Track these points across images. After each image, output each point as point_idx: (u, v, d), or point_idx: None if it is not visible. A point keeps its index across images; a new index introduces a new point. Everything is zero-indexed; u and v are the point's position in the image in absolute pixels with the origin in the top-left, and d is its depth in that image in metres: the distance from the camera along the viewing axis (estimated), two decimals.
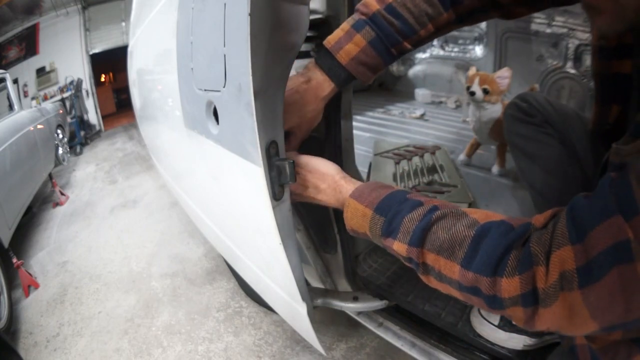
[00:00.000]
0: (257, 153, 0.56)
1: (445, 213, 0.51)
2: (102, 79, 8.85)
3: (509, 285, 0.43)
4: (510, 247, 0.44)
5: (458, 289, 0.49)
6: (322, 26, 0.88)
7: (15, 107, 3.10)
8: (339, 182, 0.63)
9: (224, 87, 0.60)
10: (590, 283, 0.39)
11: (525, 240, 0.44)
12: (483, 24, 2.48)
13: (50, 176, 3.45)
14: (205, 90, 0.69)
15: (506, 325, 0.79)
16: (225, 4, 0.56)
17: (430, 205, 0.53)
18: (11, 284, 1.90)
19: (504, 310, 0.45)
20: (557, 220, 0.43)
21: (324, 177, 0.64)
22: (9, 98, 3.09)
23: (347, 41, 0.69)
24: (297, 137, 0.72)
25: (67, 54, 6.71)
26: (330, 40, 0.70)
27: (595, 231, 0.39)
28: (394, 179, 1.39)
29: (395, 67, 3.10)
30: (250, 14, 0.49)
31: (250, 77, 0.51)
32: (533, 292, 0.42)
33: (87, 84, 6.84)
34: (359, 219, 0.59)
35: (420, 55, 2.97)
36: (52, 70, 6.64)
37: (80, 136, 5.59)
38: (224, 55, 0.58)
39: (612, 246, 0.37)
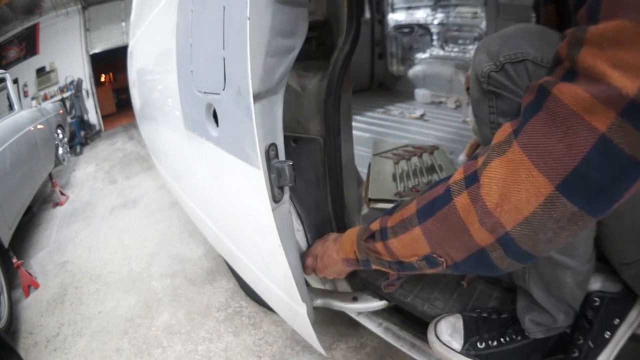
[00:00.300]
0: (257, 156, 0.56)
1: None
2: (102, 79, 8.85)
3: (457, 174, 0.47)
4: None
5: (418, 222, 0.52)
6: (321, 27, 0.88)
7: (15, 107, 3.10)
8: (334, 244, 0.77)
9: (223, 89, 0.61)
10: (521, 127, 0.39)
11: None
12: (483, 24, 2.48)
13: (50, 176, 3.45)
14: (204, 92, 0.70)
15: (471, 349, 0.76)
16: (224, 7, 0.57)
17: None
18: (11, 284, 1.90)
19: (451, 204, 0.46)
20: None
21: (329, 258, 0.77)
22: (9, 98, 3.09)
23: None
24: None
25: (67, 54, 6.72)
26: None
27: (524, 96, 0.41)
28: (394, 179, 1.39)
29: (395, 67, 3.10)
30: (249, 18, 0.49)
31: (250, 80, 0.51)
32: (475, 171, 0.44)
33: (87, 84, 6.84)
34: (350, 238, 0.70)
35: (420, 55, 2.97)
36: (52, 70, 6.64)
37: (80, 136, 5.59)
38: (223, 58, 0.59)
39: (533, 99, 0.39)
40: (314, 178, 0.87)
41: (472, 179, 0.44)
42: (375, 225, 0.63)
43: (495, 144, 0.43)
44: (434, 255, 0.52)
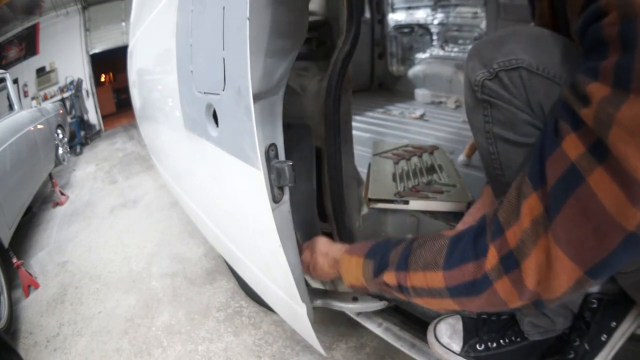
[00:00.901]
0: (257, 156, 0.56)
1: (425, 238, 0.56)
2: (102, 79, 8.85)
3: (491, 257, 0.45)
4: (482, 229, 0.47)
5: (449, 296, 0.50)
6: (321, 27, 0.88)
7: (15, 107, 3.10)
8: (332, 247, 0.75)
9: (223, 90, 0.61)
10: (553, 218, 0.39)
11: (493, 219, 0.47)
12: (483, 24, 2.48)
13: (50, 176, 3.45)
14: (204, 92, 0.70)
15: (470, 350, 0.76)
16: (224, 8, 0.57)
17: (412, 238, 0.59)
18: (11, 284, 1.90)
19: (492, 288, 0.45)
20: (516, 183, 0.45)
21: (325, 255, 0.76)
22: (9, 98, 3.09)
23: None
24: None
25: (67, 54, 6.72)
26: None
27: (547, 168, 0.40)
28: (393, 179, 1.39)
29: (395, 67, 3.10)
30: (249, 18, 0.49)
31: (250, 81, 0.51)
32: (510, 252, 0.43)
33: (87, 84, 6.84)
34: (352, 269, 0.66)
35: (420, 55, 2.97)
36: (52, 70, 6.64)
37: (80, 136, 5.59)
38: (223, 59, 0.59)
39: (562, 175, 0.38)
40: (302, 170, 0.85)
41: (510, 264, 0.43)
42: (391, 279, 0.58)
43: (528, 229, 0.41)
44: (466, 312, 0.53)
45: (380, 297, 0.94)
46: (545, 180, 0.40)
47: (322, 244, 0.78)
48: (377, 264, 0.61)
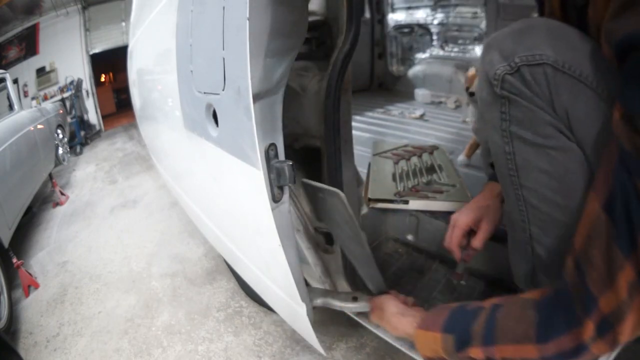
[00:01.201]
0: (257, 156, 0.56)
1: (508, 306, 0.54)
2: (102, 79, 8.85)
3: (587, 329, 0.44)
4: (569, 298, 0.47)
5: None
6: (321, 27, 0.88)
7: (15, 107, 3.10)
8: (401, 319, 0.75)
9: (223, 90, 0.61)
10: None
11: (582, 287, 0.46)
12: (483, 24, 2.48)
13: (50, 176, 3.45)
14: (204, 92, 0.70)
15: None
16: (224, 8, 0.57)
17: (491, 305, 0.56)
18: (11, 284, 1.90)
19: (588, 352, 0.46)
20: (599, 246, 0.43)
21: (399, 316, 0.76)
22: (9, 98, 3.09)
23: None
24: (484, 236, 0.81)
25: (67, 54, 6.72)
26: None
27: (637, 234, 0.39)
28: (393, 179, 1.39)
29: (395, 67, 3.10)
30: (248, 18, 0.49)
31: (249, 81, 0.52)
32: (605, 319, 0.43)
33: (87, 84, 6.84)
34: (430, 344, 0.64)
35: (420, 55, 2.97)
36: (52, 70, 6.65)
37: (80, 136, 5.59)
38: (223, 59, 0.59)
39: None
40: (349, 233, 0.83)
41: (605, 329, 0.44)
42: (477, 353, 0.56)
43: (627, 297, 0.41)
44: None
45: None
46: (637, 246, 0.39)
47: (393, 306, 0.79)
48: (459, 339, 0.59)
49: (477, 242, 0.80)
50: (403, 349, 0.89)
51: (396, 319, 0.76)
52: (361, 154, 1.76)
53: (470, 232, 0.82)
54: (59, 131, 4.24)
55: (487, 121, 0.61)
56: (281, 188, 0.62)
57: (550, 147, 0.53)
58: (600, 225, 0.43)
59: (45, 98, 6.43)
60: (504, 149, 0.59)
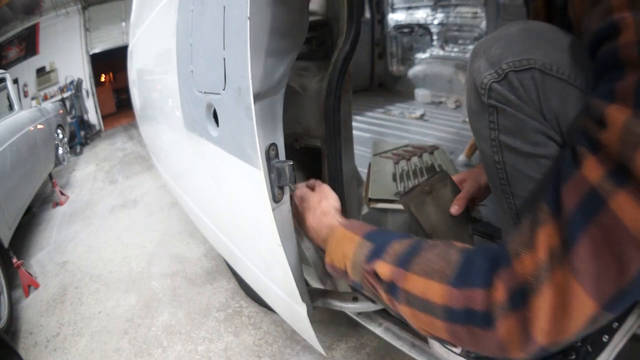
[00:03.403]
0: (257, 156, 0.56)
1: (437, 243, 0.51)
2: (102, 79, 8.85)
3: (499, 289, 0.40)
4: (502, 255, 0.42)
5: (444, 318, 0.45)
6: (321, 27, 0.88)
7: (15, 107, 3.10)
8: (332, 213, 0.67)
9: (223, 89, 0.61)
10: (572, 249, 0.35)
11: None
12: (483, 24, 2.48)
13: (50, 176, 3.45)
14: (205, 92, 0.70)
15: (470, 351, 0.74)
16: (224, 7, 0.56)
17: (422, 239, 0.53)
18: (11, 284, 1.90)
19: (495, 329, 0.41)
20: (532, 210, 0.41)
21: (325, 203, 0.68)
22: (9, 98, 3.09)
23: None
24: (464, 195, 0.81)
25: (67, 54, 6.73)
26: None
27: (563, 195, 0.37)
28: (394, 179, 1.39)
29: (395, 67, 3.10)
30: (249, 18, 0.49)
31: (250, 80, 0.51)
32: (520, 287, 0.38)
33: (87, 84, 6.85)
34: (344, 247, 0.59)
35: (420, 55, 2.97)
36: (52, 70, 6.65)
37: (80, 136, 5.60)
38: (224, 59, 0.59)
39: (582, 200, 0.35)
40: None
41: (517, 302, 0.39)
42: (385, 272, 0.51)
43: (544, 261, 0.37)
44: (450, 343, 0.48)
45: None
46: (563, 208, 0.37)
47: (326, 200, 0.69)
48: (375, 249, 0.54)
49: (457, 199, 0.80)
50: (403, 349, 0.89)
51: (321, 213, 0.67)
52: (361, 154, 1.76)
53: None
54: (59, 131, 4.24)
55: (476, 131, 0.59)
56: (282, 188, 0.62)
57: (541, 156, 0.52)
58: (539, 192, 0.42)
59: (45, 98, 6.44)
60: (493, 158, 0.57)
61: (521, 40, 0.50)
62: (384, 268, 0.51)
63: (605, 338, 0.66)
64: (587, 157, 0.36)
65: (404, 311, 0.50)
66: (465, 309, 0.43)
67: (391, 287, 0.50)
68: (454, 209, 0.78)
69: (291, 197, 0.70)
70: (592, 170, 0.35)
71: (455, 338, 0.45)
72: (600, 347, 0.66)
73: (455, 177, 0.84)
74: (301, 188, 0.74)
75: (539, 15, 0.63)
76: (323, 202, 0.68)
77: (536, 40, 0.49)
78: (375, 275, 0.52)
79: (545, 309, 0.37)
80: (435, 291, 0.45)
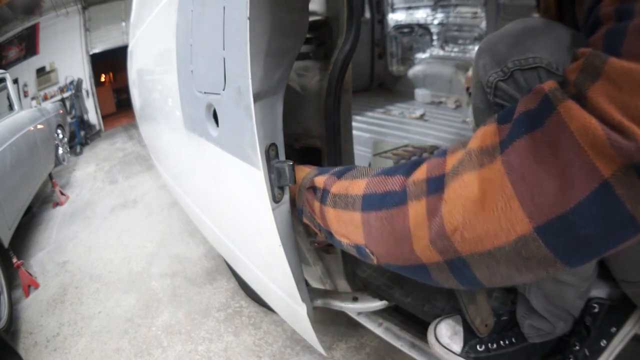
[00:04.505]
0: (257, 156, 0.56)
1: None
2: (102, 79, 8.85)
3: (419, 172, 0.39)
4: (428, 158, 0.42)
5: (360, 208, 0.45)
6: (321, 27, 0.88)
7: (15, 107, 3.10)
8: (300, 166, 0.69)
9: (223, 89, 0.61)
10: (511, 141, 0.32)
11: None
12: (483, 24, 2.48)
13: (50, 176, 3.45)
14: (205, 92, 0.70)
15: (470, 351, 0.75)
16: (224, 7, 0.56)
17: None
18: (11, 284, 1.90)
19: (404, 207, 0.39)
20: None
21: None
22: (9, 98, 3.09)
23: None
24: None
25: (67, 54, 6.73)
26: None
27: (517, 107, 0.35)
28: None
29: (395, 67, 3.10)
30: (249, 18, 0.49)
31: (250, 80, 0.51)
32: (442, 175, 0.36)
33: (87, 84, 6.85)
34: (299, 177, 0.62)
35: (420, 55, 2.97)
36: (52, 70, 6.65)
37: (80, 136, 5.60)
38: (224, 59, 0.58)
39: (532, 106, 0.33)
40: None
41: (435, 185, 0.37)
42: (320, 181, 0.55)
43: (475, 150, 0.35)
44: (366, 250, 0.46)
45: (380, 297, 0.93)
46: (512, 116, 0.34)
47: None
48: (319, 171, 0.59)
49: None
50: (403, 349, 0.89)
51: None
52: (361, 154, 1.76)
53: None
54: (59, 131, 4.24)
55: None
56: (282, 188, 0.62)
57: None
58: None
59: (45, 98, 6.44)
60: None
61: (526, 38, 0.49)
62: (320, 179, 0.56)
63: (603, 343, 0.66)
64: (549, 80, 0.35)
65: (331, 215, 0.51)
66: (380, 193, 0.43)
67: (322, 194, 0.54)
68: None
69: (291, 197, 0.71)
70: (550, 84, 0.33)
71: (369, 234, 0.44)
72: (598, 351, 0.66)
73: None
74: None
75: (550, 10, 0.62)
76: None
77: (543, 38, 0.48)
78: (313, 189, 0.57)
79: (463, 199, 0.34)
80: (357, 185, 0.48)
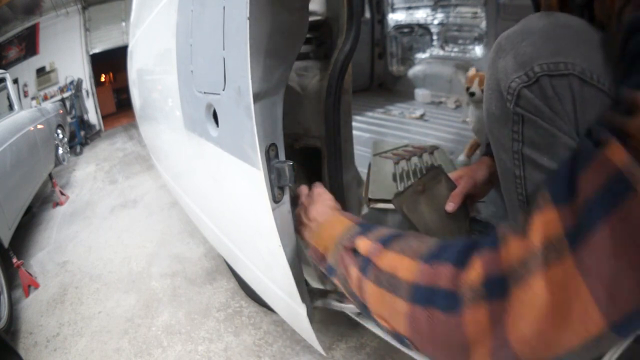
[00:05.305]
0: (257, 156, 0.56)
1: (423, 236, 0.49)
2: (102, 79, 8.85)
3: (474, 269, 0.34)
4: (483, 240, 0.37)
5: (408, 297, 0.40)
6: (321, 27, 0.88)
7: (16, 107, 3.10)
8: (335, 205, 0.68)
9: (223, 90, 0.61)
10: (582, 240, 0.28)
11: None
12: (483, 24, 2.48)
13: (50, 176, 3.45)
14: (204, 92, 0.70)
15: None
16: (224, 8, 0.56)
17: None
18: (11, 284, 1.90)
19: (459, 316, 0.34)
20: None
21: (328, 197, 0.70)
22: (9, 98, 3.09)
23: None
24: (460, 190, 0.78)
25: (67, 54, 6.73)
26: None
27: (579, 181, 0.30)
28: (394, 179, 1.39)
29: (395, 67, 3.10)
30: (249, 18, 0.49)
31: (250, 80, 0.51)
32: (501, 274, 0.32)
33: (87, 84, 6.85)
34: (335, 226, 0.58)
35: (420, 55, 2.97)
36: (52, 70, 6.65)
37: (80, 136, 5.60)
38: (223, 59, 0.58)
39: (603, 185, 0.28)
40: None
41: (495, 290, 0.32)
42: (364, 247, 0.49)
43: (538, 247, 0.30)
44: (408, 341, 0.41)
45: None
46: (575, 194, 0.30)
47: (327, 195, 0.70)
48: (362, 230, 0.52)
49: (453, 195, 0.78)
50: (403, 349, 0.89)
51: (327, 205, 0.67)
52: (361, 154, 1.76)
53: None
54: (59, 131, 4.24)
55: (495, 138, 0.52)
56: (282, 188, 0.62)
57: None
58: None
59: (45, 98, 6.44)
60: (513, 172, 0.50)
61: (555, 38, 0.42)
62: (364, 243, 0.49)
63: None
64: (612, 142, 0.29)
65: (371, 291, 0.46)
66: (430, 286, 0.37)
67: (364, 263, 0.47)
68: (450, 206, 0.77)
69: (292, 197, 0.71)
70: (618, 154, 0.28)
71: (414, 329, 0.39)
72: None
73: (452, 174, 0.83)
74: (304, 187, 0.75)
75: (552, 9, 0.58)
76: (326, 196, 0.70)
77: (575, 40, 0.41)
78: (353, 251, 0.51)
79: (530, 307, 0.30)
80: (405, 267, 0.41)
